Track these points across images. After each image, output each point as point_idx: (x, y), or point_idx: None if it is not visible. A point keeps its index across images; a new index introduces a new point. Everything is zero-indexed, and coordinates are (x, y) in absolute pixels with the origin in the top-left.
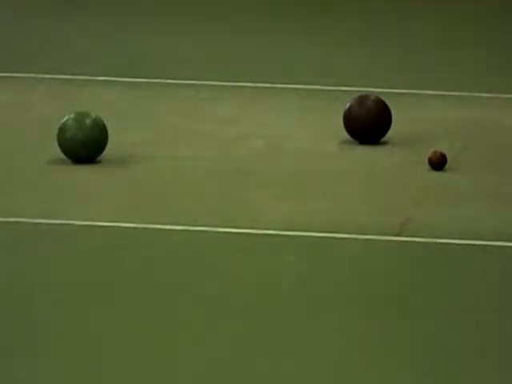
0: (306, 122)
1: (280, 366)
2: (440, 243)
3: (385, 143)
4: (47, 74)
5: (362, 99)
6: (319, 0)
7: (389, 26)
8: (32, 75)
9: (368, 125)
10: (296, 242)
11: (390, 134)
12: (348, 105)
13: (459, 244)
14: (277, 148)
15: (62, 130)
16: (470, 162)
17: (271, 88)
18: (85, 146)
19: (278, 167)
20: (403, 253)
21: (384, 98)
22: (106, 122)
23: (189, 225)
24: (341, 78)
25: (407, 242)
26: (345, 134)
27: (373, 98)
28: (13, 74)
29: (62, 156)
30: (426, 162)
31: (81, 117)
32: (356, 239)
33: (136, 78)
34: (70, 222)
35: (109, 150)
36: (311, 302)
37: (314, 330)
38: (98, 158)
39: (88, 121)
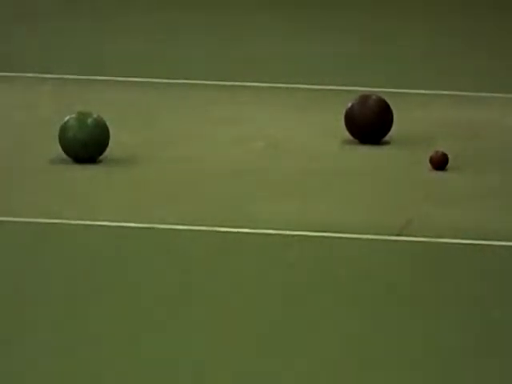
0: (306, 121)
1: (280, 366)
2: (441, 243)
3: (386, 143)
4: (49, 73)
5: (363, 99)
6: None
7: (390, 25)
8: (33, 75)
9: (369, 124)
10: (296, 242)
11: (392, 133)
12: (349, 104)
13: (460, 244)
14: (277, 148)
15: (63, 130)
16: (471, 162)
17: (271, 88)
18: (86, 146)
19: (278, 167)
20: (404, 253)
21: (385, 98)
22: (107, 122)
23: (189, 225)
24: (342, 77)
25: (408, 241)
26: (346, 134)
27: (374, 97)
28: (14, 74)
29: (64, 156)
30: (427, 161)
31: (82, 116)
32: (356, 239)
33: (137, 77)
34: (71, 221)
35: (110, 150)
36: (311, 302)
37: (313, 330)
38: (100, 158)
39: (89, 121)
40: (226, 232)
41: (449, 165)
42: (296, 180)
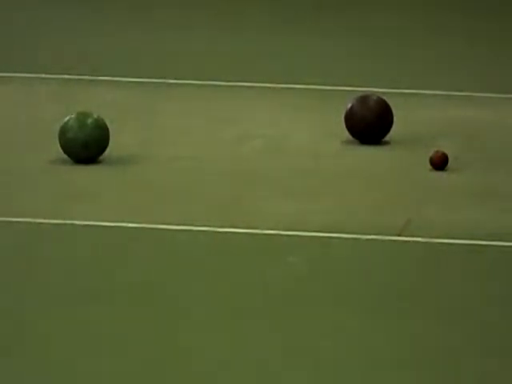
0: (306, 121)
1: (279, 366)
2: (440, 243)
3: (386, 143)
4: (48, 73)
5: (363, 99)
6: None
7: (390, 25)
8: (33, 75)
9: (369, 124)
10: (296, 242)
11: (392, 133)
12: (349, 104)
13: (460, 244)
14: (277, 148)
15: (63, 130)
16: (471, 162)
17: (271, 88)
18: (86, 146)
19: (278, 167)
20: (404, 253)
21: (385, 98)
22: (107, 122)
23: (189, 225)
24: (341, 77)
25: (408, 241)
26: (346, 134)
27: (374, 97)
28: (14, 74)
29: (64, 156)
30: (428, 161)
31: (82, 117)
32: (356, 239)
33: (137, 77)
34: (71, 221)
35: (110, 150)
36: (311, 302)
37: (313, 330)
38: (100, 158)
39: (89, 121)
40: (226, 232)
41: (449, 165)
42: (296, 180)
